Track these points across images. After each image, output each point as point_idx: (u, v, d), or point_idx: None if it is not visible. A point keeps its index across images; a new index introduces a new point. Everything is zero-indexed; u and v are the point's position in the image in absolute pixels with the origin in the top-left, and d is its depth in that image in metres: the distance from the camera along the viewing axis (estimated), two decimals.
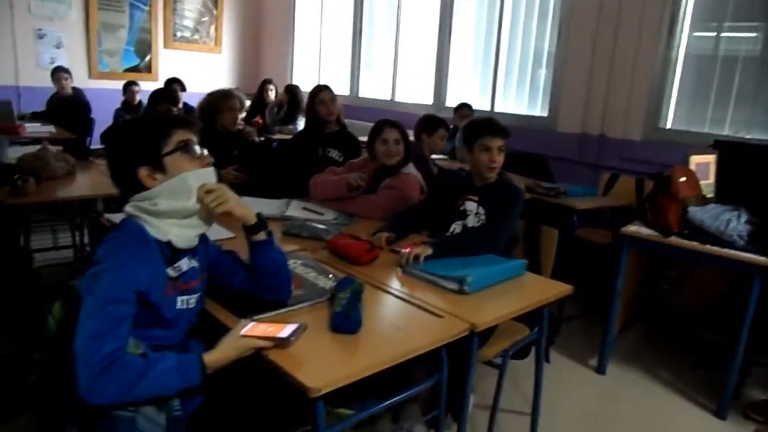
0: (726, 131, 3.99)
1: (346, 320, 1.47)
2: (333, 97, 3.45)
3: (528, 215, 2.53)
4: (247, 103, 6.24)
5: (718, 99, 4.07)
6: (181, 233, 1.41)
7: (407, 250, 2.07)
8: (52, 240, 4.26)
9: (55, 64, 5.67)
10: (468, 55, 5.61)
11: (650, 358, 3.21)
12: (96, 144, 5.21)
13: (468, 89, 5.56)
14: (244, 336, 1.35)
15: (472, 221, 2.34)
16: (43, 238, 4.22)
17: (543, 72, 4.97)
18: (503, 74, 5.27)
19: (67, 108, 5.56)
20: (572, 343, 3.23)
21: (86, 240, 3.85)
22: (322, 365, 1.32)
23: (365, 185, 2.70)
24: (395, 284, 1.87)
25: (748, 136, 3.86)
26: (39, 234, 4.20)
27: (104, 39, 6.79)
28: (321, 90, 3.44)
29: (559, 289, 1.96)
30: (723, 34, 4.05)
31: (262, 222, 1.56)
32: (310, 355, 1.34)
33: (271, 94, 6.28)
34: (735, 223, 2.63)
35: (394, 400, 1.56)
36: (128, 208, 1.41)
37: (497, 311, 1.72)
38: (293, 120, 5.67)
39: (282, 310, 1.58)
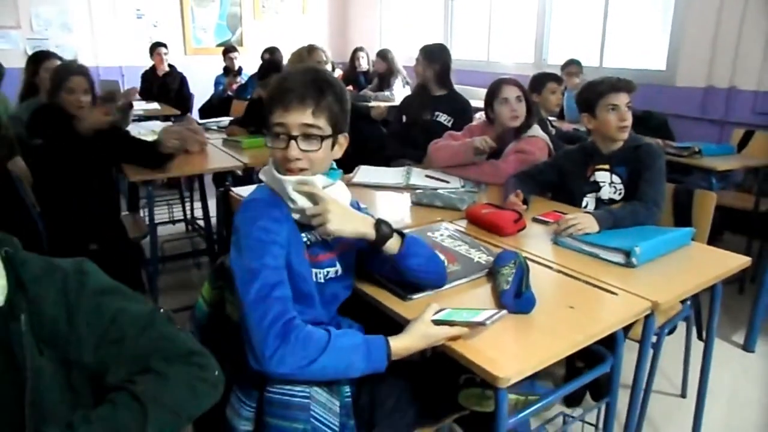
0: None
1: (520, 299, 1.34)
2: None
3: (668, 178, 2.30)
4: (339, 72, 6.19)
5: None
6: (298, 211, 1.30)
7: (552, 219, 1.91)
8: (168, 215, 4.39)
9: (155, 41, 5.78)
10: (572, 3, 5.23)
11: None
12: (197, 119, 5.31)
13: (573, 44, 5.20)
14: (436, 322, 1.22)
15: (607, 193, 2.15)
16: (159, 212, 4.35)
17: (660, 20, 4.55)
18: (614, 24, 4.87)
19: (165, 84, 5.68)
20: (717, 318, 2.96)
21: (201, 214, 3.92)
22: (505, 351, 1.20)
23: (493, 149, 2.54)
24: (551, 257, 1.72)
25: None
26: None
27: (197, 15, 6.87)
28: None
29: (735, 261, 1.75)
30: None
31: (384, 232, 1.31)
32: (486, 339, 1.22)
33: (363, 62, 6.16)
34: None
35: (571, 386, 1.43)
36: (263, 172, 1.36)
37: (676, 286, 1.53)
38: (388, 85, 5.54)
39: (441, 289, 1.46)
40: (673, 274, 1.62)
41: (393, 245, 1.32)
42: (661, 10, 4.56)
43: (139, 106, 4.83)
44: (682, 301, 2.05)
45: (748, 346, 2.76)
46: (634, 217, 1.89)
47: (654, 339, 2.02)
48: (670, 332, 2.14)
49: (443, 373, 1.42)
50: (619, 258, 1.65)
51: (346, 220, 1.26)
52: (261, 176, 1.37)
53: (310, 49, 3.29)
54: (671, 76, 4.39)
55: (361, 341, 1.18)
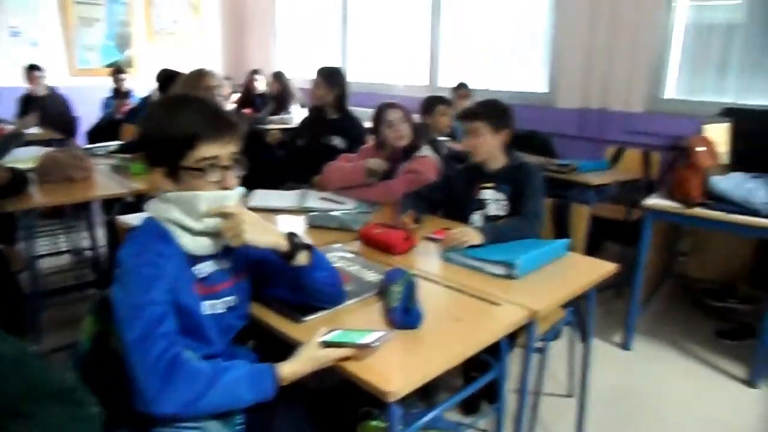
0: (727, 99, 3.96)
1: (408, 314, 1.39)
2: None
3: (548, 193, 2.48)
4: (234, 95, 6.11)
5: (717, 67, 4.04)
6: (195, 243, 1.30)
7: (441, 236, 2.00)
8: (51, 245, 4.11)
9: (30, 63, 5.43)
10: (462, 33, 5.49)
11: (674, 330, 3.20)
12: (83, 143, 5.04)
13: (465, 68, 5.46)
14: (324, 344, 1.24)
15: (493, 209, 2.28)
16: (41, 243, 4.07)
17: (541, 46, 4.89)
18: (500, 50, 5.18)
19: (43, 107, 5.34)
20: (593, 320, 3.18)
21: (88, 244, 3.71)
22: (393, 366, 1.24)
23: (386, 170, 2.62)
24: (439, 272, 1.80)
25: (749, 103, 3.84)
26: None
27: (82, 34, 6.54)
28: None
29: (604, 268, 1.90)
30: (719, 3, 4.02)
31: (297, 242, 1.35)
32: (375, 356, 1.25)
33: (259, 85, 6.12)
34: (760, 191, 2.60)
35: (458, 396, 1.49)
36: (150, 206, 1.33)
37: (553, 294, 1.65)
38: (285, 108, 5.54)
39: (332, 309, 1.49)
40: (551, 283, 1.75)
41: (303, 257, 1.36)
42: (541, 38, 4.89)
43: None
44: (565, 308, 2.20)
45: (626, 345, 2.99)
46: (516, 231, 2.02)
47: (540, 345, 2.17)
48: (555, 337, 2.29)
49: (343, 404, 1.44)
50: (502, 270, 1.75)
51: (260, 231, 1.28)
52: (147, 210, 1.33)
53: (201, 74, 3.23)
54: (552, 98, 4.71)
55: (247, 372, 1.18)
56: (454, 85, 4.84)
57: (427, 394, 1.99)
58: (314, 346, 1.24)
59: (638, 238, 2.88)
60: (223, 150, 1.26)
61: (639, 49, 4.15)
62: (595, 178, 3.34)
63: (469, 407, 2.35)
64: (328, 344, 1.24)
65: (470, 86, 4.80)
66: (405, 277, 1.53)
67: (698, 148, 2.81)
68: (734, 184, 2.67)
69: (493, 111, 2.24)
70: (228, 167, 1.28)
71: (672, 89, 4.24)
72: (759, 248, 3.19)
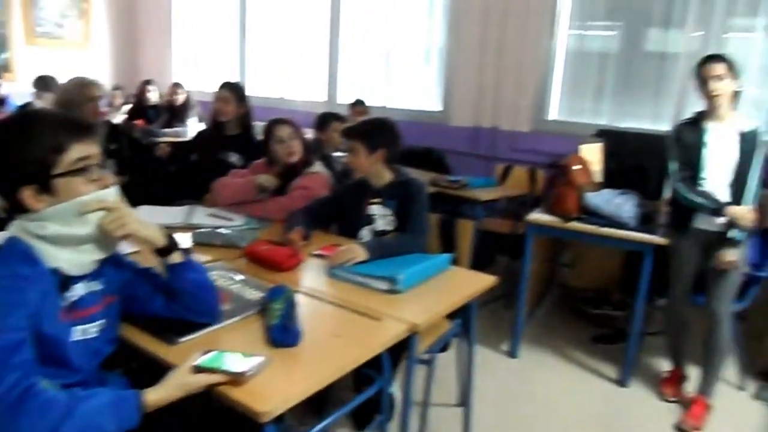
0: (602, 121, 4.29)
1: (286, 332, 1.39)
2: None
3: (436, 209, 2.57)
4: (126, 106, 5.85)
5: (594, 92, 4.38)
6: (74, 259, 1.25)
7: (328, 253, 2.02)
8: None
9: None
10: (361, 49, 5.58)
11: (556, 337, 3.39)
12: None
13: (364, 85, 5.54)
14: (196, 369, 1.21)
15: (381, 225, 2.33)
16: None
17: (435, 65, 5.06)
18: (397, 68, 5.30)
19: None
20: (483, 330, 3.30)
21: None
22: (268, 385, 1.23)
23: (277, 186, 2.60)
24: (324, 289, 1.81)
25: (623, 125, 4.18)
26: None
27: None
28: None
29: (485, 281, 2.00)
30: (595, 32, 4.38)
31: (172, 242, 1.39)
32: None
33: (152, 96, 5.89)
34: (626, 206, 2.83)
35: (345, 409, 1.50)
36: (13, 228, 1.24)
37: (433, 308, 1.71)
38: (181, 121, 5.36)
39: (210, 329, 1.46)
40: (433, 296, 1.81)
41: (178, 256, 1.39)
42: (435, 58, 5.07)
43: None
44: (453, 319, 2.28)
45: (513, 353, 3.13)
46: (401, 246, 2.07)
47: (427, 357, 2.22)
48: (443, 349, 2.37)
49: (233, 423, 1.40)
50: (385, 285, 1.79)
51: (141, 224, 1.30)
52: (10, 231, 1.24)
53: (83, 83, 3.07)
54: (446, 116, 4.88)
55: (109, 400, 1.13)
56: (352, 101, 4.90)
57: (320, 412, 1.99)
58: (185, 370, 1.21)
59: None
60: (93, 149, 1.25)
61: (525, 73, 4.42)
62: (484, 194, 3.50)
63: (361, 421, 2.37)
64: (201, 368, 1.21)
65: (368, 103, 4.88)
66: (286, 294, 1.53)
67: (574, 167, 3.01)
68: (605, 199, 2.89)
69: (368, 131, 2.29)
70: (101, 166, 1.27)
71: (555, 111, 4.54)
72: (628, 258, 3.46)
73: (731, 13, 3.86)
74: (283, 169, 2.68)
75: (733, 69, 2.45)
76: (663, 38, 4.16)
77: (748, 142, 2.45)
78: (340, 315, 1.62)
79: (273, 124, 2.70)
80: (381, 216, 2.31)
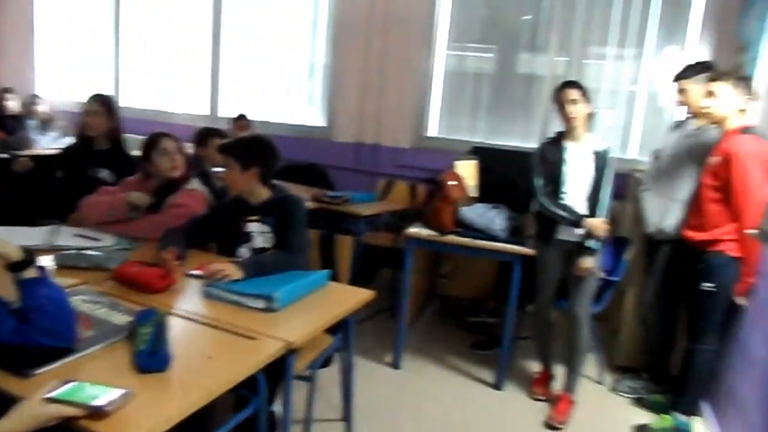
0: (478, 138, 4.54)
1: (154, 357, 1.34)
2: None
3: (318, 224, 2.59)
4: None
5: (470, 110, 4.63)
6: None
7: (203, 272, 1.97)
8: None
9: None
10: (244, 62, 5.49)
11: (437, 346, 3.51)
12: None
13: (247, 99, 5.45)
14: (49, 401, 1.13)
15: (260, 242, 2.30)
16: None
17: (318, 82, 5.10)
18: (280, 83, 5.28)
19: None
20: (366, 344, 3.35)
21: None
22: (134, 413, 1.18)
23: (150, 204, 2.50)
24: (199, 310, 1.76)
25: (496, 143, 4.45)
26: None
27: None
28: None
29: (362, 295, 2.04)
30: (471, 54, 4.64)
31: (28, 257, 1.34)
32: None
33: (11, 105, 5.42)
34: (498, 219, 3.01)
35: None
36: None
37: (310, 325, 1.72)
38: (44, 133, 4.98)
39: (70, 358, 1.37)
40: (310, 313, 1.82)
41: (33, 271, 1.35)
42: (319, 74, 5.10)
43: None
44: (334, 335, 2.29)
45: (395, 364, 3.20)
46: (279, 264, 2.07)
47: (308, 373, 2.23)
48: (326, 364, 2.38)
49: None
50: (261, 304, 1.78)
51: None
52: None
53: None
54: (330, 132, 4.94)
55: None
56: (234, 115, 4.80)
57: None
58: (37, 401, 1.13)
59: None
60: None
61: (405, 91, 4.59)
62: (366, 209, 3.57)
63: None
64: (55, 400, 1.13)
65: (251, 117, 4.81)
66: (155, 317, 1.47)
67: (450, 182, 3.16)
68: (478, 213, 3.06)
69: (242, 148, 2.28)
70: None
71: (434, 128, 4.74)
72: (500, 268, 3.68)
73: (587, 42, 4.27)
74: (161, 185, 2.58)
75: (586, 94, 2.70)
76: (531, 62, 4.50)
77: (601, 160, 2.71)
78: (214, 336, 1.59)
79: (158, 137, 2.60)
80: (259, 233, 2.28)
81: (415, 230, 3.08)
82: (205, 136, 3.49)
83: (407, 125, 4.64)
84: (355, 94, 4.74)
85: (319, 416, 2.55)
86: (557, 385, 3.01)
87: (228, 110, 5.32)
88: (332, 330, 2.24)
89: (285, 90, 5.30)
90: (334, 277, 2.34)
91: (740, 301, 2.56)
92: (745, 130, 2.47)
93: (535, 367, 3.23)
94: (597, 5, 4.17)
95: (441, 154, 4.42)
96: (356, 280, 2.54)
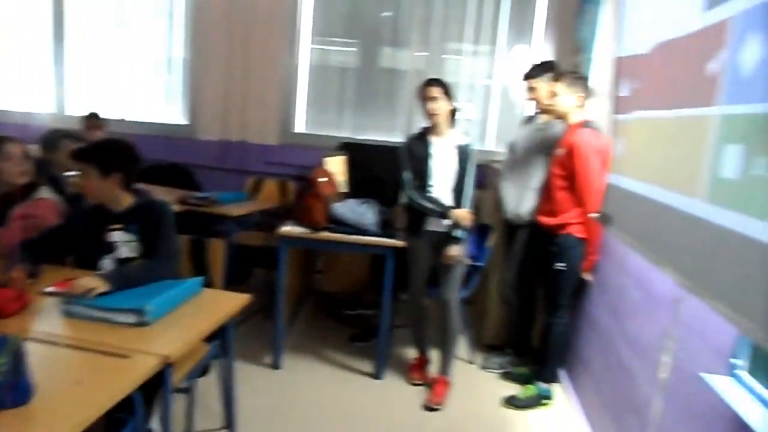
0: (345, 134, 4.60)
1: (13, 391, 1.22)
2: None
3: (186, 229, 2.49)
4: None
5: (336, 106, 4.67)
6: None
7: (64, 288, 1.82)
8: None
9: None
10: (94, 57, 5.06)
11: (317, 342, 3.53)
12: None
13: (99, 95, 5.03)
14: None
15: (125, 252, 2.16)
16: None
17: (178, 78, 4.85)
18: (135, 78, 4.94)
19: None
20: (244, 346, 3.28)
21: None
22: None
23: None
24: (61, 331, 1.63)
25: (363, 137, 4.53)
26: None
27: None
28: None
29: (239, 300, 2.00)
30: (335, 48, 4.67)
31: None
32: None
33: None
34: (369, 213, 3.09)
35: None
36: None
37: (186, 336, 1.67)
38: None
39: None
40: (186, 323, 1.76)
41: None
42: (179, 68, 4.84)
43: None
44: (210, 342, 2.23)
45: (275, 364, 3.18)
46: (148, 273, 1.97)
47: (186, 385, 2.15)
48: (204, 373, 2.30)
49: None
50: (132, 318, 1.69)
51: None
52: None
53: None
54: (193, 129, 4.72)
55: None
56: (85, 114, 4.43)
57: None
58: None
59: None
60: None
61: (270, 87, 4.50)
62: (236, 209, 3.49)
63: None
64: None
65: (104, 116, 4.47)
66: (10, 345, 1.34)
67: (320, 179, 3.18)
68: (349, 209, 3.11)
69: (100, 154, 2.12)
70: None
71: (301, 124, 4.72)
72: (373, 261, 3.78)
73: (445, 38, 4.48)
74: (5, 194, 2.33)
75: (448, 91, 2.84)
76: (393, 56, 4.62)
77: (464, 154, 2.87)
78: (81, 358, 1.48)
79: (1, 140, 2.34)
80: (123, 243, 2.15)
81: (287, 228, 3.06)
82: (54, 138, 3.20)
83: (274, 121, 4.57)
84: (218, 90, 4.57)
85: (201, 427, 2.47)
86: (433, 369, 3.16)
87: (77, 108, 4.89)
88: (207, 337, 2.18)
89: (141, 86, 4.97)
90: (208, 283, 2.26)
91: (587, 276, 2.86)
92: (585, 125, 2.75)
93: (411, 353, 3.36)
94: (453, 4, 4.39)
95: (309, 150, 4.42)
96: (230, 284, 2.47)
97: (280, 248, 3.06)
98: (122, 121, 4.75)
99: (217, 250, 2.44)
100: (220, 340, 2.20)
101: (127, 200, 2.17)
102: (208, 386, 2.46)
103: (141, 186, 2.27)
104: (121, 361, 1.48)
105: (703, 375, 1.57)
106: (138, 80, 4.95)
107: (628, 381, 2.26)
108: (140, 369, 1.45)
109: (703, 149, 1.39)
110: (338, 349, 3.47)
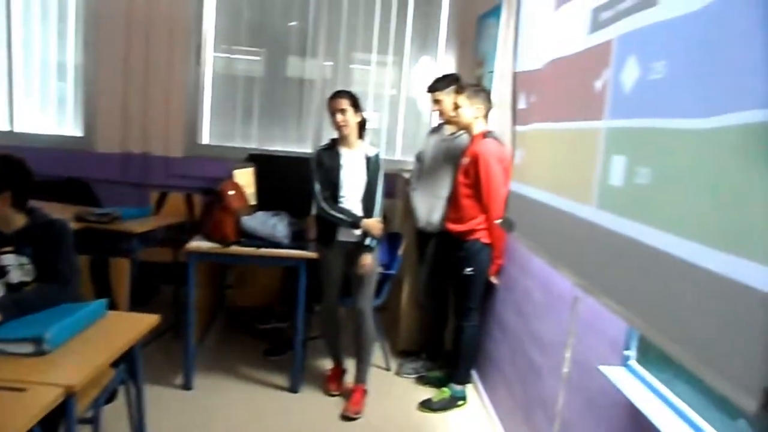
0: (253, 145, 4.54)
1: None
2: None
3: (86, 248, 2.37)
4: None
5: (243, 116, 4.59)
6: None
7: None
8: None
9: None
10: None
11: (230, 358, 3.45)
12: None
13: None
14: None
15: (17, 276, 2.01)
16: None
17: (71, 87, 4.56)
18: (21, 86, 4.58)
19: None
20: (153, 368, 3.14)
21: None
22: None
23: None
24: None
25: (272, 148, 4.49)
26: None
27: None
28: None
29: (147, 321, 1.93)
30: (237, 57, 4.59)
31: None
32: None
33: None
34: (280, 225, 3.06)
35: None
36: None
37: (91, 363, 1.58)
38: None
39: None
40: (90, 349, 1.67)
41: None
42: (72, 77, 4.56)
43: None
44: (116, 367, 2.12)
45: (187, 385, 3.06)
46: (45, 299, 1.85)
47: (91, 414, 2.03)
48: (111, 399, 2.19)
49: None
50: (29, 348, 1.58)
51: None
52: None
53: None
54: (90, 142, 4.46)
55: None
56: None
57: None
58: None
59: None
60: None
61: (174, 96, 4.35)
62: (140, 225, 3.34)
63: None
64: None
65: None
66: None
67: (229, 192, 3.12)
68: (260, 221, 3.08)
69: None
70: None
71: (207, 135, 4.60)
72: (286, 273, 3.75)
73: (353, 48, 4.53)
74: None
75: (356, 103, 2.88)
76: (301, 66, 4.61)
77: (373, 164, 2.92)
78: None
79: None
80: (16, 266, 2.00)
81: (196, 243, 2.98)
82: None
83: (178, 132, 4.42)
84: (116, 99, 4.35)
85: None
86: (350, 378, 3.17)
87: None
88: (114, 361, 2.08)
89: (29, 94, 4.63)
90: (112, 305, 2.16)
91: (494, 280, 2.99)
92: (487, 135, 2.88)
93: (327, 364, 3.36)
94: (359, 15, 4.46)
95: (216, 162, 4.33)
96: (137, 304, 2.37)
97: (189, 264, 2.96)
98: (10, 133, 4.43)
99: (121, 270, 2.33)
100: (128, 363, 2.10)
101: (19, 220, 2.03)
102: (117, 413, 2.35)
103: (34, 204, 2.12)
104: (18, 395, 1.38)
105: (601, 367, 1.69)
106: (25, 88, 4.61)
107: (535, 377, 2.39)
108: (40, 402, 1.36)
109: (593, 159, 1.51)
110: (252, 364, 3.41)
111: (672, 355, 1.11)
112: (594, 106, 1.54)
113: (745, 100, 0.91)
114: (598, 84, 1.52)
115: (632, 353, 1.66)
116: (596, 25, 1.55)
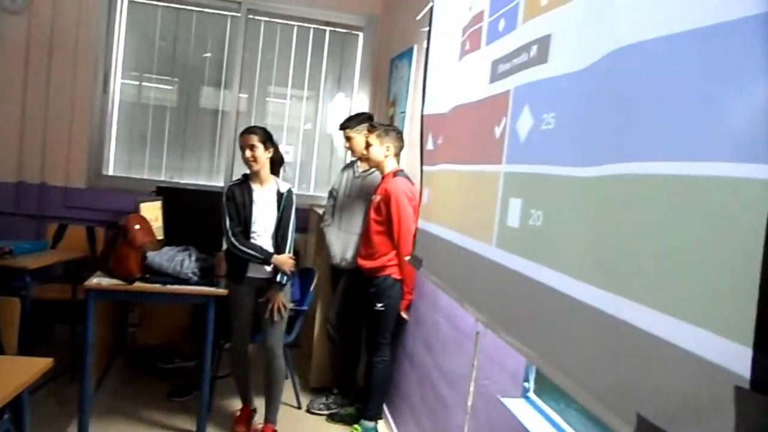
0: (163, 177, 4.41)
1: None
2: None
3: None
4: None
5: (153, 147, 4.46)
6: None
7: None
8: None
9: None
10: None
11: (131, 401, 3.26)
12: None
13: None
14: None
15: None
16: None
17: None
18: None
19: None
20: (43, 416, 2.92)
21: None
22: None
23: None
24: None
25: (182, 181, 4.38)
26: None
27: None
28: None
29: (38, 365, 1.81)
30: (148, 84, 4.47)
31: None
32: None
33: None
34: (188, 261, 2.98)
35: None
36: None
37: None
38: None
39: None
40: None
41: None
42: None
43: None
44: (1, 415, 1.96)
45: None
46: None
47: None
48: None
49: None
50: None
51: None
52: None
53: None
54: None
55: None
56: None
57: None
58: None
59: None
60: None
61: (77, 124, 4.18)
62: (34, 261, 3.14)
63: None
64: None
65: None
66: None
67: (134, 226, 3.01)
68: (167, 257, 2.98)
69: None
70: None
71: (113, 166, 4.42)
72: (194, 310, 3.63)
73: (268, 81, 4.55)
74: None
75: (269, 140, 2.88)
76: (215, 96, 4.55)
77: (285, 201, 2.91)
78: None
79: None
80: None
81: (96, 280, 2.83)
82: None
83: (80, 162, 4.23)
84: (11, 125, 4.11)
85: None
86: (259, 418, 3.09)
87: None
88: None
89: None
90: (0, 348, 2.02)
91: (404, 315, 3.04)
92: (397, 173, 2.97)
93: (236, 404, 3.26)
94: (275, 48, 4.49)
95: (122, 194, 4.17)
96: (28, 346, 2.22)
97: (88, 302, 2.80)
98: None
99: (11, 310, 2.17)
100: (13, 412, 1.96)
101: None
102: None
103: None
104: None
105: (502, 399, 1.77)
106: None
107: (443, 410, 2.44)
108: None
109: (494, 201, 1.60)
110: (155, 407, 3.24)
111: (560, 386, 1.18)
112: (494, 150, 1.64)
113: (622, 152, 1.01)
114: (497, 130, 1.63)
115: (530, 385, 1.75)
116: (495, 76, 1.66)
